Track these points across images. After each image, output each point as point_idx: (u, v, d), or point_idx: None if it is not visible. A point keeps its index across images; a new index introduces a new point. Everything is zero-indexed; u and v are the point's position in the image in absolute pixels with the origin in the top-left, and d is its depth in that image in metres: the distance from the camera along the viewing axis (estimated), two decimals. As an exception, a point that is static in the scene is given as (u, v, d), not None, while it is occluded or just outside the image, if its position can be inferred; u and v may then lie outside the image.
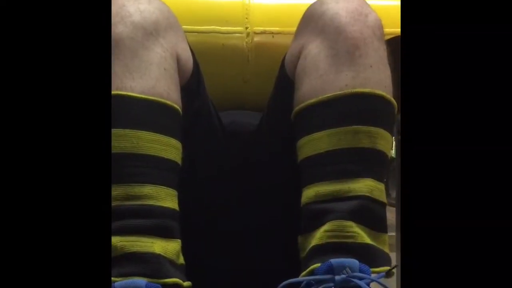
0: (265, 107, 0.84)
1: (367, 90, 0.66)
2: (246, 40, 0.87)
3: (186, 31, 0.83)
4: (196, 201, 0.78)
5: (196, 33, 0.86)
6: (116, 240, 0.62)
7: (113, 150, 0.64)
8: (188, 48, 0.74)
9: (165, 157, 0.66)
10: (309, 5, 0.72)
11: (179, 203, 0.68)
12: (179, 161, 0.68)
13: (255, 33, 0.87)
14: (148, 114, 0.65)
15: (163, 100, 0.66)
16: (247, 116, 0.90)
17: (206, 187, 0.82)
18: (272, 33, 0.87)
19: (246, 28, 0.87)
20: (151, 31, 0.67)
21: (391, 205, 1.12)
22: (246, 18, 0.87)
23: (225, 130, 0.85)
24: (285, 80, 0.75)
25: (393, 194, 1.20)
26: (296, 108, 0.70)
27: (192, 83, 0.74)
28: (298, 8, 0.88)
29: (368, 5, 0.70)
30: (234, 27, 0.87)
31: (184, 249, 0.68)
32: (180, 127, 0.69)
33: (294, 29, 0.86)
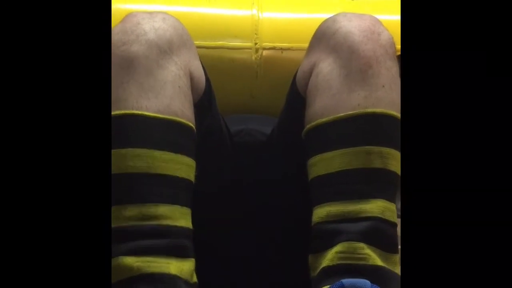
0: (276, 122, 0.84)
1: (379, 110, 0.66)
2: (255, 55, 0.88)
3: (196, 47, 0.84)
4: (206, 216, 0.77)
5: (205, 48, 0.86)
6: (132, 261, 0.62)
7: (128, 170, 0.64)
8: (201, 66, 0.74)
9: (179, 176, 0.66)
10: (321, 22, 0.73)
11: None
12: (193, 179, 0.69)
13: (264, 48, 0.88)
14: (163, 133, 0.65)
15: (178, 119, 0.66)
16: (257, 122, 0.91)
17: (215, 203, 0.82)
18: (281, 48, 0.88)
19: (255, 43, 0.88)
20: (165, 49, 0.67)
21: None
22: (256, 34, 0.88)
23: (235, 145, 0.85)
24: (296, 97, 0.75)
25: (398, 205, 1.20)
26: (308, 126, 0.70)
27: (204, 100, 0.74)
28: (308, 24, 0.89)
29: (381, 24, 0.71)
30: (243, 42, 0.87)
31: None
32: (194, 144, 0.69)
33: (303, 45, 0.87)
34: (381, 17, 0.87)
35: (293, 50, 0.88)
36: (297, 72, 0.76)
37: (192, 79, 0.71)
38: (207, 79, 0.76)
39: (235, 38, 0.88)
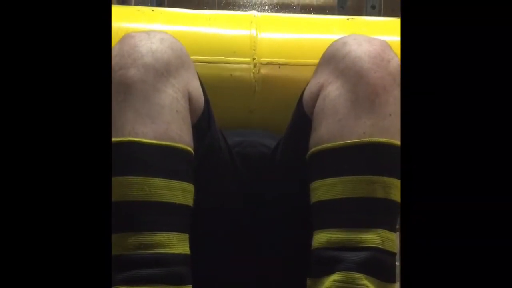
0: (278, 138, 0.85)
1: (384, 140, 0.67)
2: (253, 70, 0.89)
3: (195, 61, 0.86)
4: (206, 235, 0.78)
5: (204, 63, 0.88)
6: None
7: (125, 198, 0.64)
8: (199, 85, 0.74)
9: (177, 202, 0.66)
10: (331, 42, 0.73)
11: (190, 238, 0.69)
12: (191, 203, 0.69)
13: (262, 64, 0.89)
14: (160, 160, 0.65)
15: (175, 144, 0.66)
16: (258, 136, 0.91)
17: (216, 222, 0.82)
18: (278, 64, 0.89)
19: (253, 59, 0.89)
20: (162, 72, 0.66)
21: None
22: (254, 50, 0.89)
23: (236, 156, 0.85)
24: (302, 117, 0.75)
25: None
26: (313, 150, 0.70)
27: (202, 120, 0.74)
28: (304, 42, 0.91)
29: (391, 49, 0.70)
30: (242, 58, 0.89)
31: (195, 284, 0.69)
32: (192, 168, 0.69)
33: (300, 60, 0.89)
34: (380, 37, 0.90)
35: (290, 65, 0.90)
36: (304, 91, 0.76)
37: (190, 100, 0.70)
38: (206, 99, 0.75)
39: (234, 54, 0.89)
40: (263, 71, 0.89)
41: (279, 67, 0.89)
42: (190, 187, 0.68)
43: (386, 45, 0.70)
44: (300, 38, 0.94)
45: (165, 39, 0.69)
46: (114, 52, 0.67)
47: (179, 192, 0.66)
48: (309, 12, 2.42)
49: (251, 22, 0.93)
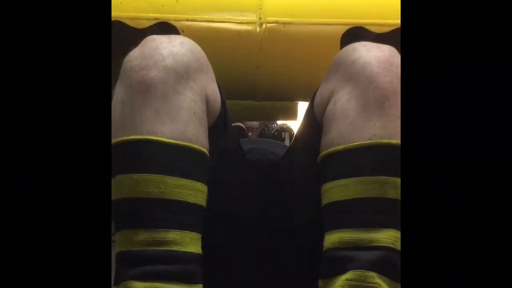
0: (290, 147, 0.87)
1: (394, 141, 0.67)
2: (259, 29, 0.94)
3: (204, 20, 0.90)
4: (219, 237, 0.80)
5: (213, 22, 0.92)
6: (140, 286, 0.63)
7: (141, 195, 0.65)
8: (217, 88, 0.75)
9: (191, 201, 0.67)
10: (341, 50, 0.74)
11: (202, 241, 0.70)
12: (204, 204, 0.69)
13: (268, 22, 0.93)
14: (176, 159, 0.66)
15: (191, 145, 0.67)
16: (266, 144, 0.94)
17: (229, 225, 0.83)
18: (283, 23, 0.93)
19: (260, 18, 0.94)
20: (182, 75, 0.67)
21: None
22: (260, 9, 0.93)
23: (248, 164, 0.87)
24: (314, 121, 0.77)
25: None
26: (324, 153, 0.71)
27: (219, 122, 0.75)
28: (307, 2, 0.95)
29: (398, 54, 0.71)
30: (249, 16, 0.93)
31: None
32: (206, 169, 0.70)
33: (303, 19, 0.93)
34: None
35: (295, 24, 0.93)
36: (314, 97, 0.78)
37: (208, 102, 0.71)
38: (223, 101, 0.77)
39: (241, 13, 0.93)
40: (269, 29, 0.93)
41: (284, 26, 0.93)
42: (204, 187, 0.69)
43: (395, 51, 0.71)
44: None
45: (185, 43, 0.70)
46: (135, 54, 0.69)
47: (194, 191, 0.67)
48: None
49: None
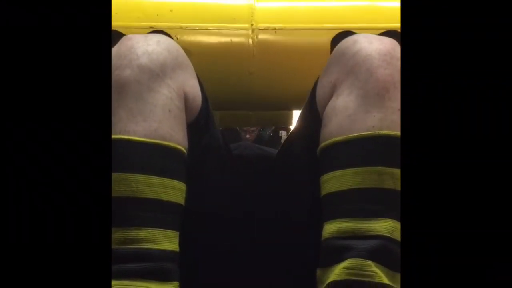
0: (288, 137, 0.88)
1: (393, 133, 0.68)
2: (251, 35, 0.96)
3: (197, 28, 0.92)
4: (205, 235, 0.81)
5: (205, 30, 0.94)
6: (113, 284, 0.63)
7: (113, 194, 0.65)
8: (197, 84, 0.75)
9: (165, 199, 0.67)
10: (342, 41, 0.75)
11: (187, 239, 0.70)
12: (182, 201, 0.69)
13: (259, 29, 0.96)
14: (148, 157, 0.66)
15: (165, 143, 0.67)
16: (254, 145, 0.94)
17: (216, 222, 0.83)
18: (274, 29, 0.95)
19: (252, 24, 0.96)
20: (157, 73, 0.68)
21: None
22: (252, 16, 0.96)
23: (234, 161, 0.87)
24: (314, 114, 0.77)
25: None
26: (323, 144, 0.72)
27: (200, 119, 0.75)
28: (299, 8, 0.96)
29: (399, 47, 0.71)
30: (241, 23, 0.95)
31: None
32: (184, 167, 0.70)
33: (295, 25, 0.95)
34: (376, 3, 0.95)
35: (287, 30, 0.95)
36: (315, 88, 0.78)
37: (186, 100, 0.71)
38: (205, 98, 0.77)
39: (233, 20, 0.95)
40: (261, 36, 0.95)
41: (276, 32, 0.95)
42: (181, 185, 0.69)
43: (396, 43, 0.71)
44: (295, 6, 0.98)
45: (161, 42, 0.71)
46: (112, 53, 0.69)
47: (168, 189, 0.67)
48: None
49: None
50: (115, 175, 0.65)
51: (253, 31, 0.95)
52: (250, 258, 0.86)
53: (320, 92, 0.76)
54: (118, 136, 0.66)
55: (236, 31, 0.95)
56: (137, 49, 0.68)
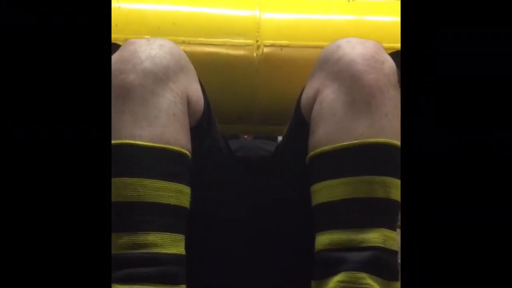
0: (279, 143, 0.87)
1: (381, 140, 0.68)
2: (256, 51, 0.93)
3: (200, 43, 0.89)
4: (206, 236, 0.80)
5: (209, 45, 0.91)
6: None
7: (120, 199, 0.66)
8: (199, 88, 0.75)
9: (171, 203, 0.67)
10: (325, 47, 0.74)
11: (190, 241, 0.70)
12: (187, 205, 0.70)
13: (265, 45, 0.93)
14: (154, 162, 0.67)
15: (170, 147, 0.68)
16: (257, 143, 0.94)
17: (216, 225, 0.84)
18: (280, 46, 0.93)
19: (257, 40, 0.93)
20: (161, 77, 0.68)
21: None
22: (257, 32, 0.93)
23: (236, 163, 0.86)
24: (301, 121, 0.77)
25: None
26: (311, 153, 0.72)
27: (202, 123, 0.76)
28: (306, 23, 0.94)
29: (384, 51, 0.71)
30: (246, 39, 0.92)
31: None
32: (188, 170, 0.70)
33: (301, 42, 0.92)
34: (380, 18, 0.93)
35: (292, 47, 0.93)
36: (301, 96, 0.78)
37: (189, 103, 0.72)
38: (206, 101, 0.77)
39: (238, 35, 0.93)
40: (266, 52, 0.93)
41: (281, 49, 0.92)
42: (186, 189, 0.70)
43: (379, 47, 0.71)
44: (301, 19, 0.96)
45: (164, 45, 0.71)
46: (114, 58, 0.69)
47: (174, 193, 0.68)
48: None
49: (255, 4, 0.95)
50: (121, 180, 0.66)
51: (258, 47, 0.93)
52: (250, 259, 0.87)
53: (305, 97, 0.75)
54: (123, 140, 0.66)
55: (240, 46, 0.92)
56: (141, 53, 0.69)
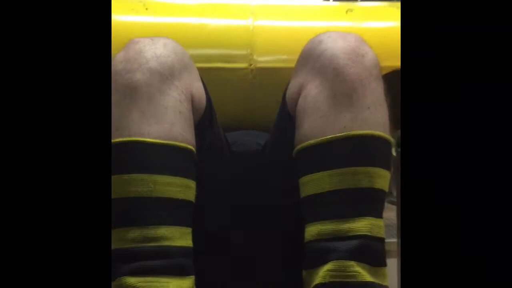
0: (267, 140, 0.88)
1: (364, 132, 0.69)
2: (250, 74, 0.92)
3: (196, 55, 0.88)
4: (202, 231, 0.80)
5: (204, 58, 0.91)
6: (135, 281, 0.65)
7: (131, 195, 0.67)
8: (202, 86, 0.77)
9: (180, 198, 0.69)
10: (307, 41, 0.76)
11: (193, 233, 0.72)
12: (193, 199, 0.72)
13: (258, 68, 0.92)
14: (163, 158, 0.68)
15: (178, 143, 0.69)
16: (252, 136, 0.95)
17: (217, 217, 0.86)
18: (274, 68, 0.92)
19: (250, 64, 0.92)
20: (167, 76, 0.70)
21: (392, 203, 1.13)
22: (251, 54, 0.92)
23: (233, 155, 0.89)
24: (287, 115, 0.79)
25: (395, 193, 1.22)
26: (298, 147, 0.73)
27: (205, 119, 0.78)
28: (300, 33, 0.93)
29: (365, 43, 0.73)
30: (239, 63, 0.91)
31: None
32: (194, 166, 0.72)
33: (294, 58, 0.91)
34: (378, 24, 0.92)
35: (285, 69, 0.92)
36: (286, 91, 0.79)
37: (193, 100, 0.73)
38: (208, 98, 0.79)
39: (231, 58, 0.91)
40: (259, 75, 0.91)
41: (275, 71, 0.91)
42: (192, 183, 0.71)
43: (360, 39, 0.73)
44: (295, 27, 0.96)
45: (168, 44, 0.72)
46: (119, 57, 0.71)
47: (182, 188, 0.69)
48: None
49: (249, 12, 0.95)
50: (130, 176, 0.67)
51: (251, 71, 0.92)
52: (246, 250, 0.89)
53: (289, 92, 0.77)
54: (132, 138, 0.68)
55: (233, 69, 0.91)
56: (146, 52, 0.70)
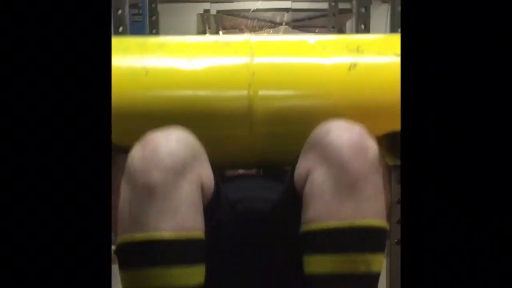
0: (276, 204, 0.93)
1: (365, 222, 0.78)
2: (249, 107, 0.92)
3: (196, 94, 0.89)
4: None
5: (204, 96, 0.91)
6: None
7: (149, 286, 0.75)
8: (210, 170, 0.84)
9: (191, 283, 0.77)
10: (315, 129, 0.82)
11: None
12: (203, 280, 0.79)
13: (258, 99, 0.92)
14: (178, 250, 0.76)
15: (191, 235, 0.77)
16: (259, 188, 0.98)
17: (218, 277, 0.89)
18: (274, 99, 0.93)
19: (249, 100, 0.92)
20: (180, 170, 0.76)
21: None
22: (250, 86, 0.91)
23: (236, 216, 0.94)
24: (294, 193, 0.86)
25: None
26: (304, 228, 0.81)
27: (213, 201, 0.85)
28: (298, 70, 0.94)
29: (368, 136, 0.80)
30: (238, 93, 0.92)
31: None
32: (203, 250, 0.79)
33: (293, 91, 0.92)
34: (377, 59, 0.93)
35: (286, 100, 0.93)
36: (293, 171, 0.87)
37: (203, 188, 0.80)
38: (216, 181, 0.86)
39: (231, 90, 0.92)
40: (259, 108, 0.92)
41: (275, 103, 0.92)
42: (202, 268, 0.79)
43: (364, 132, 0.80)
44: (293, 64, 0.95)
45: (180, 139, 0.79)
46: (137, 154, 0.77)
47: (194, 275, 0.77)
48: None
49: (248, 48, 0.94)
50: (151, 271, 0.75)
51: (250, 105, 0.92)
52: None
53: (297, 174, 0.85)
54: (150, 233, 0.75)
55: (233, 101, 0.92)
56: (160, 151, 0.76)
